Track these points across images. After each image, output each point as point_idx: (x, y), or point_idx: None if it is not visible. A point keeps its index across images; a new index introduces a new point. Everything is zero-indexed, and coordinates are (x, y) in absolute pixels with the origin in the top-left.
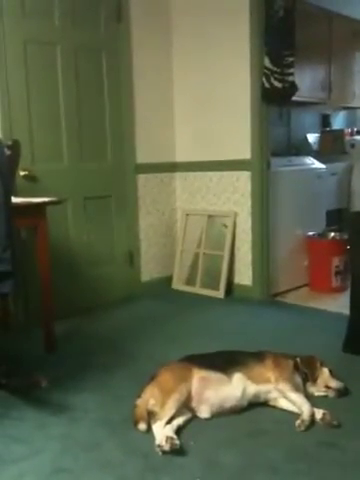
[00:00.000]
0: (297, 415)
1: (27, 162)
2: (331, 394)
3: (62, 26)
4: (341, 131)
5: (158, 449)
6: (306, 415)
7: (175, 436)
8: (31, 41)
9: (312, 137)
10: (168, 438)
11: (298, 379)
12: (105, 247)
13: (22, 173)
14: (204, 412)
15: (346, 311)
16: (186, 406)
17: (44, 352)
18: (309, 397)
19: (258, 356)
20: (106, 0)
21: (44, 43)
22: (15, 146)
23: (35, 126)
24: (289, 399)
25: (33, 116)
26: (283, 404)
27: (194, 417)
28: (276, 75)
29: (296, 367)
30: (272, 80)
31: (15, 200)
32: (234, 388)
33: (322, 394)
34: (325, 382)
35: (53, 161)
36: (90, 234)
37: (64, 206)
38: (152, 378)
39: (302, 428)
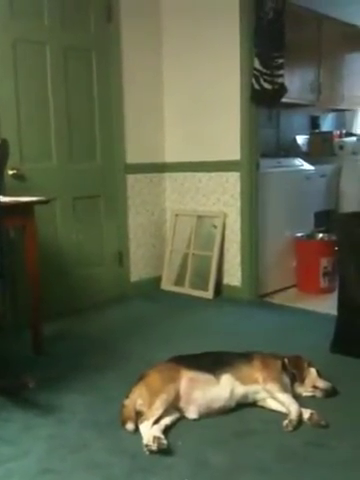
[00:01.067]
0: (285, 415)
1: (16, 161)
2: (319, 394)
3: (51, 26)
4: (330, 133)
5: (145, 449)
6: (294, 415)
7: (162, 436)
8: (20, 41)
9: (301, 139)
10: (155, 438)
11: (286, 379)
12: (94, 247)
13: (10, 172)
14: (192, 413)
15: (334, 312)
16: (174, 406)
17: (33, 353)
18: (297, 397)
19: (246, 357)
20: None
21: (33, 43)
22: (3, 145)
23: (24, 125)
24: (277, 399)
25: (22, 115)
26: (271, 404)
27: (182, 417)
28: (266, 77)
29: (284, 367)
30: (262, 81)
31: (3, 199)
32: (222, 389)
33: (310, 394)
34: (313, 382)
35: (42, 160)
36: (79, 234)
37: (53, 206)
38: (140, 378)
39: (290, 428)
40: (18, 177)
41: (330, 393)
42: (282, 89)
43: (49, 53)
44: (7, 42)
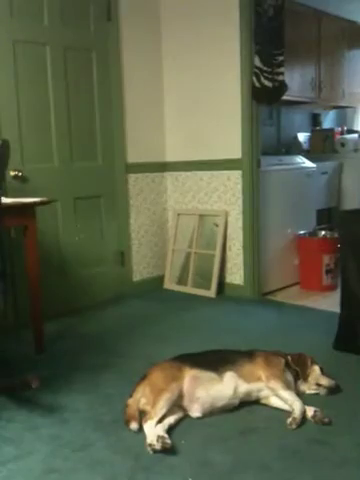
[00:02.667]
0: (288, 413)
1: (17, 162)
2: (322, 392)
3: (51, 26)
4: (331, 130)
5: (149, 448)
6: (297, 413)
7: (166, 435)
8: (20, 41)
9: (302, 136)
10: (159, 437)
11: (289, 377)
12: (96, 247)
13: (12, 173)
14: (196, 411)
15: (336, 309)
16: (178, 405)
17: (34, 352)
18: (300, 395)
19: (249, 355)
20: None
21: (33, 43)
22: (4, 146)
23: (25, 126)
24: (280, 397)
25: (23, 116)
26: (274, 402)
27: (185, 416)
28: (266, 74)
29: (287, 365)
30: (262, 79)
31: (5, 200)
32: (225, 387)
33: (313, 392)
34: (316, 380)
35: (43, 161)
36: (80, 234)
37: (54, 206)
38: (143, 377)
39: (293, 426)
40: (19, 178)
41: (333, 390)
42: (282, 86)
43: (49, 53)
44: (7, 42)
